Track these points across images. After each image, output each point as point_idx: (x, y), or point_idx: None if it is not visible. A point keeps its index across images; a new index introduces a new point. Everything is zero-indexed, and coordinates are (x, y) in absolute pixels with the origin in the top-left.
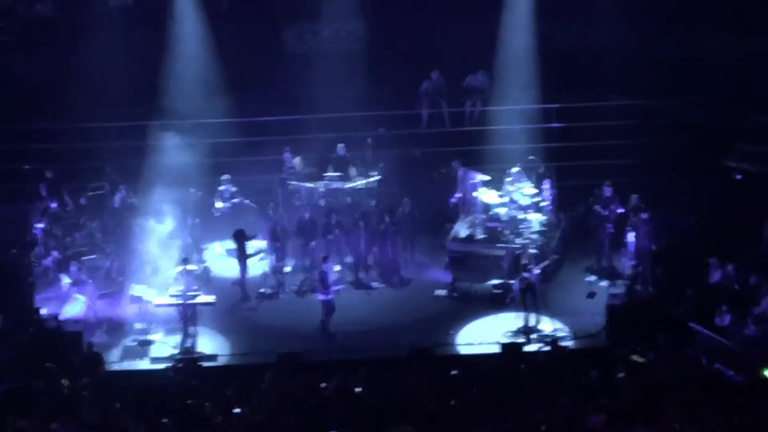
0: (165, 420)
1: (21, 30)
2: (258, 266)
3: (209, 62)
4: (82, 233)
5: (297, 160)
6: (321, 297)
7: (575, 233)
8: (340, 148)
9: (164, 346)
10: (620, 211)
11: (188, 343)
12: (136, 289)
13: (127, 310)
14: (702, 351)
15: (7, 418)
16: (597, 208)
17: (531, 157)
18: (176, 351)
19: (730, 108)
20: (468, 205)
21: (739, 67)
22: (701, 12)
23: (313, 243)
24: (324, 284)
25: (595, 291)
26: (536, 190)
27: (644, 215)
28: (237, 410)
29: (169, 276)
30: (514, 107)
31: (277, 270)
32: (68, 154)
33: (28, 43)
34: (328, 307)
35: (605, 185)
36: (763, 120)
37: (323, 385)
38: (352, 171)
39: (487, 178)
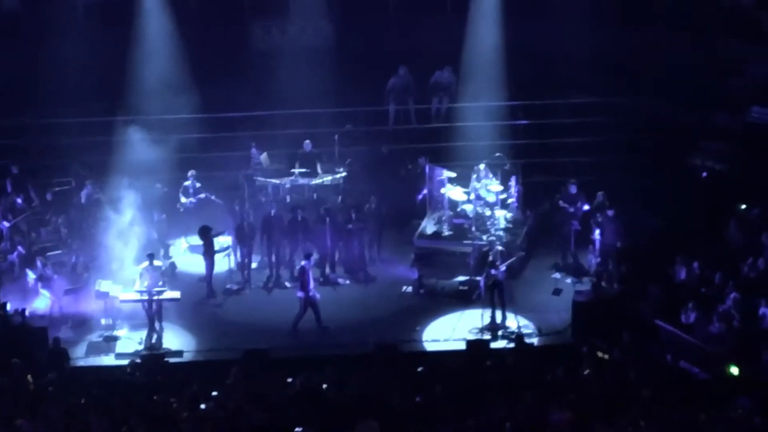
0: (131, 416)
1: None
2: (224, 262)
3: (176, 58)
4: (48, 229)
5: (264, 156)
6: (300, 294)
7: (541, 230)
8: (307, 144)
9: (130, 342)
10: (586, 208)
11: (154, 339)
12: (101, 285)
13: (93, 306)
14: (668, 348)
15: None
16: (563, 204)
17: (497, 154)
18: (142, 347)
19: (694, 107)
20: (435, 202)
21: (703, 68)
22: (666, 14)
23: (285, 242)
24: (303, 282)
25: (561, 288)
26: (502, 187)
27: (610, 212)
28: (203, 406)
29: (134, 272)
30: (480, 104)
31: (243, 266)
32: (34, 149)
33: None
34: (309, 303)
35: (571, 182)
36: (728, 119)
37: (289, 380)
38: (319, 167)
39: (453, 174)
